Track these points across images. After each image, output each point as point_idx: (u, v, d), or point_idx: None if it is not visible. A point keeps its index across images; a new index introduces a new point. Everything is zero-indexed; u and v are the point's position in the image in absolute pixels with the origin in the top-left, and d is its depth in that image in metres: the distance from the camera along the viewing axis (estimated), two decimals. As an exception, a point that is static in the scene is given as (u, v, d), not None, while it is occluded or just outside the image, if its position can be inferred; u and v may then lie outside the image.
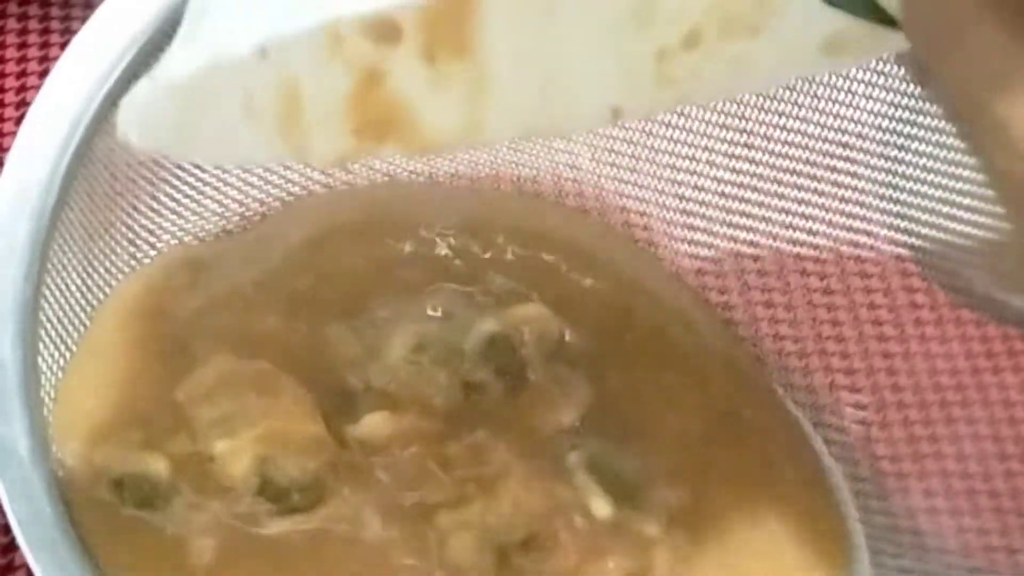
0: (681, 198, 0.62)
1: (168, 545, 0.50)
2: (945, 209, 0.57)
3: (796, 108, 0.60)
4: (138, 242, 0.57)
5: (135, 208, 0.57)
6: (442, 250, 0.59)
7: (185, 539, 0.50)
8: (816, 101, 0.59)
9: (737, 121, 0.61)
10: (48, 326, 0.51)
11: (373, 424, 0.52)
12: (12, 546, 0.55)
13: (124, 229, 0.56)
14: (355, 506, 0.51)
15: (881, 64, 0.58)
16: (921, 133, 0.58)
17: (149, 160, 0.56)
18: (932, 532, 0.56)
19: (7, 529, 0.53)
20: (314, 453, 0.51)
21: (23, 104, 0.63)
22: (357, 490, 0.52)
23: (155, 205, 0.57)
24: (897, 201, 0.58)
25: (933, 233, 0.58)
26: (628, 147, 0.62)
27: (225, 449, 0.51)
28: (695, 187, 0.61)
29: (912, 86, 0.58)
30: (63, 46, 0.61)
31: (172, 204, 0.58)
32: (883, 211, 0.59)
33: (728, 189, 0.61)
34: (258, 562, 0.50)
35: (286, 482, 0.51)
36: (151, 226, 0.57)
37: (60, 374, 0.52)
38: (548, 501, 0.52)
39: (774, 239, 0.60)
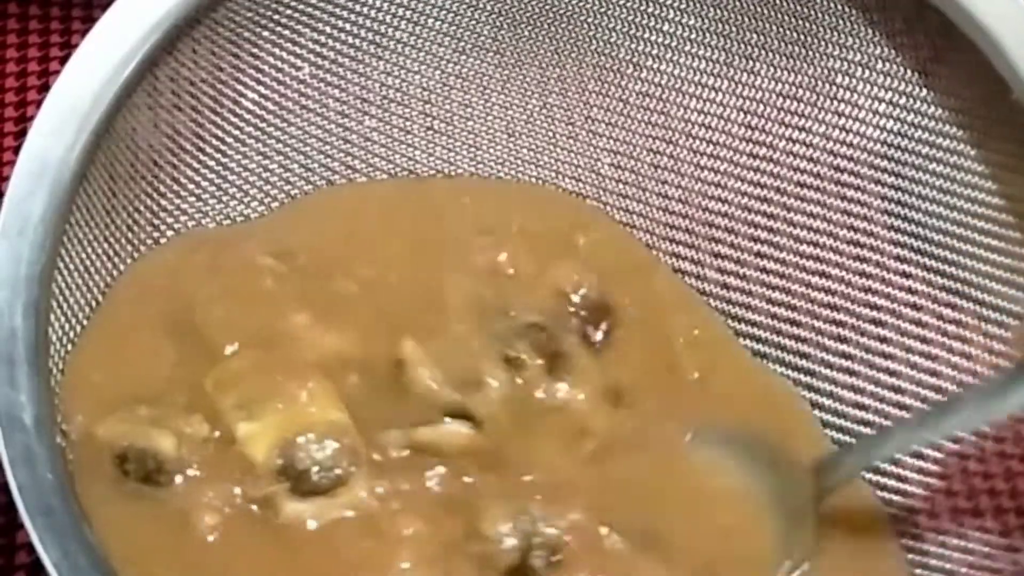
0: (706, 210, 0.62)
1: (170, 521, 0.51)
2: (959, 231, 0.57)
3: (818, 124, 0.60)
4: (155, 222, 0.57)
5: (156, 189, 0.57)
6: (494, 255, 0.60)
7: (188, 516, 0.51)
8: (837, 118, 0.60)
9: (760, 135, 0.61)
10: (60, 298, 0.52)
11: (448, 433, 0.54)
12: (12, 547, 0.56)
13: (143, 209, 0.57)
14: (377, 497, 0.52)
15: (904, 84, 0.58)
16: (939, 155, 0.58)
17: (172, 142, 0.57)
18: (932, 532, 0.56)
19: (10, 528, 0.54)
20: (335, 439, 0.52)
21: (23, 104, 0.63)
22: (380, 482, 0.52)
23: (175, 187, 0.58)
24: (911, 220, 0.59)
25: (947, 254, 0.58)
26: (650, 156, 0.62)
27: (247, 432, 0.52)
28: (718, 199, 0.62)
29: (935, 107, 0.58)
30: (63, 47, 0.63)
31: (192, 187, 0.58)
32: (897, 230, 0.59)
33: (750, 203, 0.61)
34: (262, 541, 0.51)
35: (307, 463, 0.52)
36: (170, 207, 0.58)
37: (70, 346, 0.53)
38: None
39: (792, 253, 0.61)
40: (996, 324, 0.57)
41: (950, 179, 0.57)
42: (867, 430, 0.58)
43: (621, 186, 0.62)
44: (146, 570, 0.49)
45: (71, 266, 0.52)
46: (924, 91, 0.58)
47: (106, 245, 0.55)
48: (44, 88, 0.61)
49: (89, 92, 0.52)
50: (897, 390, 0.58)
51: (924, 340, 0.58)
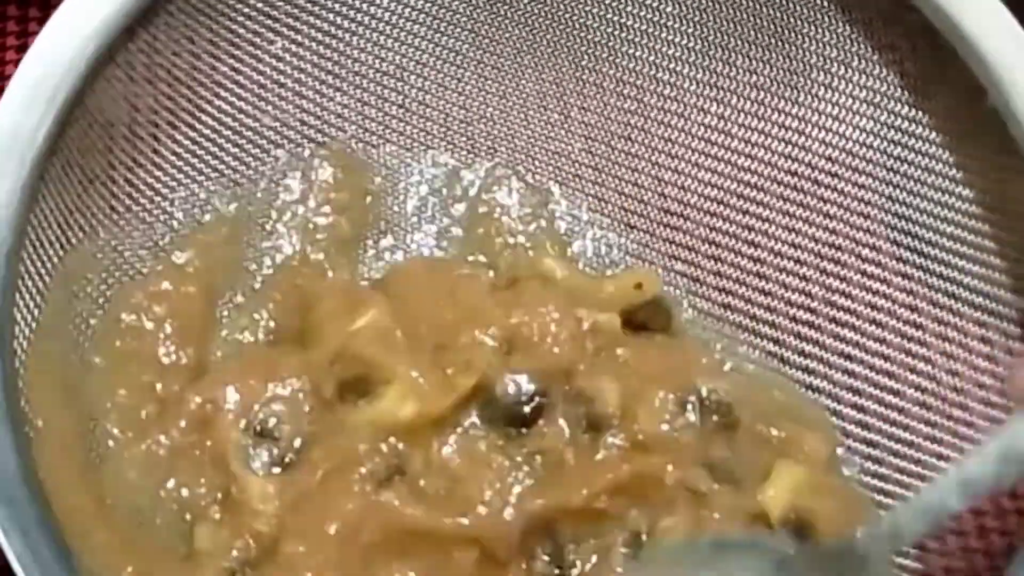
0: (700, 210, 0.62)
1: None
2: (949, 229, 0.58)
3: (792, 119, 0.60)
4: (135, 195, 0.57)
5: (134, 161, 0.57)
6: None
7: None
8: (820, 118, 0.60)
9: (749, 133, 0.61)
10: (28, 281, 0.51)
11: None
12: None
13: (122, 182, 0.56)
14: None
15: (880, 84, 0.58)
16: (927, 148, 0.58)
17: (146, 118, 0.56)
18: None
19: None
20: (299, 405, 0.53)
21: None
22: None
23: (148, 165, 0.57)
24: (902, 216, 0.59)
25: (935, 252, 0.58)
26: (623, 143, 0.62)
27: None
28: (711, 199, 0.62)
29: (911, 109, 0.58)
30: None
31: (172, 159, 0.58)
32: (888, 225, 0.59)
33: (739, 203, 0.61)
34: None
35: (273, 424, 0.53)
36: (143, 186, 0.57)
37: (35, 325, 0.52)
38: None
39: (767, 252, 0.61)
40: (975, 322, 0.58)
41: (938, 174, 0.58)
42: (863, 432, 0.59)
43: (590, 171, 0.62)
44: (109, 561, 0.49)
45: (40, 244, 0.52)
46: (900, 91, 0.58)
47: (80, 221, 0.54)
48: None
49: (58, 66, 0.52)
50: (896, 393, 0.59)
51: (922, 343, 0.59)
